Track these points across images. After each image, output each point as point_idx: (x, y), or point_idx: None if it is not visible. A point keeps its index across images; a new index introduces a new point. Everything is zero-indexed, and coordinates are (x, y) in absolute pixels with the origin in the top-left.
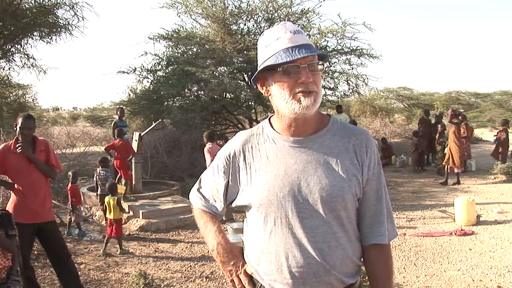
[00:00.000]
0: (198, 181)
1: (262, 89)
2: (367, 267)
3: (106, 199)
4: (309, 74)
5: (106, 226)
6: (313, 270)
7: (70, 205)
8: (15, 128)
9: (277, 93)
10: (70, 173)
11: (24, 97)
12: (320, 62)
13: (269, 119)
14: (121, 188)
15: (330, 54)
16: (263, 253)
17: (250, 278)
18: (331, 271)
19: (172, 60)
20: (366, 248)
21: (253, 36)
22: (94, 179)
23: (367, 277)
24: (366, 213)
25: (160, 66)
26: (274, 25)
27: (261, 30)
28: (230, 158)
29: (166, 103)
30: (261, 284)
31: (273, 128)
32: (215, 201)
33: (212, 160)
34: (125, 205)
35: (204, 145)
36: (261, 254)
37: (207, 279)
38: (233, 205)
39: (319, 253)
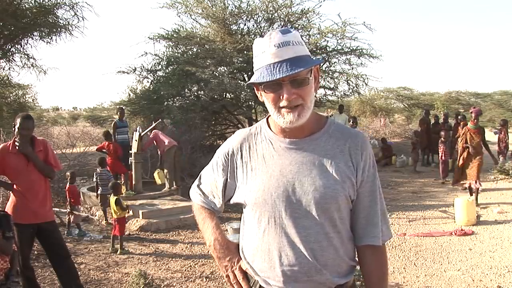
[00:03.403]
0: (198, 177)
1: (258, 93)
2: (361, 268)
3: (110, 199)
4: (291, 91)
5: (107, 226)
6: (305, 269)
7: (68, 206)
8: (13, 128)
9: (266, 104)
10: (68, 173)
11: (24, 97)
12: (311, 70)
13: (267, 119)
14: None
15: (330, 54)
16: (257, 251)
17: (245, 274)
18: (322, 270)
19: (172, 60)
20: (359, 248)
21: (253, 36)
22: (94, 179)
23: (362, 278)
24: (360, 214)
25: (160, 66)
26: (275, 25)
27: (261, 30)
28: (228, 156)
29: (166, 103)
30: (256, 280)
31: (270, 129)
32: (214, 197)
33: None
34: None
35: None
36: (255, 252)
37: (207, 279)
38: (231, 202)
39: (311, 252)
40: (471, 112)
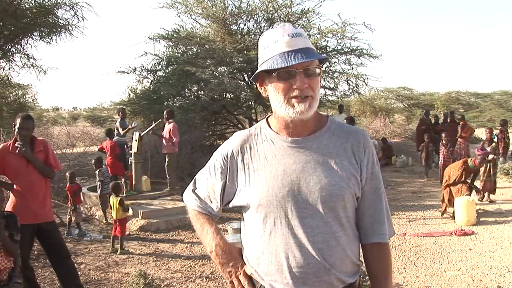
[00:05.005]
0: (193, 182)
1: (261, 89)
2: (367, 266)
3: (111, 199)
4: (304, 80)
5: (107, 226)
6: (313, 269)
7: (71, 205)
8: (13, 128)
9: (273, 96)
10: (67, 174)
11: (24, 97)
12: (318, 64)
13: (267, 119)
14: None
15: (330, 54)
16: (263, 254)
17: (250, 279)
18: (331, 270)
19: (172, 60)
20: (366, 246)
21: (253, 36)
22: (97, 178)
23: (367, 277)
24: (365, 212)
25: (160, 66)
26: (275, 25)
27: (261, 30)
28: (227, 158)
29: (166, 103)
30: (261, 285)
31: (271, 128)
32: (211, 202)
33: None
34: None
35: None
36: (260, 255)
37: (207, 279)
38: (230, 205)
39: (319, 252)
40: (478, 154)
